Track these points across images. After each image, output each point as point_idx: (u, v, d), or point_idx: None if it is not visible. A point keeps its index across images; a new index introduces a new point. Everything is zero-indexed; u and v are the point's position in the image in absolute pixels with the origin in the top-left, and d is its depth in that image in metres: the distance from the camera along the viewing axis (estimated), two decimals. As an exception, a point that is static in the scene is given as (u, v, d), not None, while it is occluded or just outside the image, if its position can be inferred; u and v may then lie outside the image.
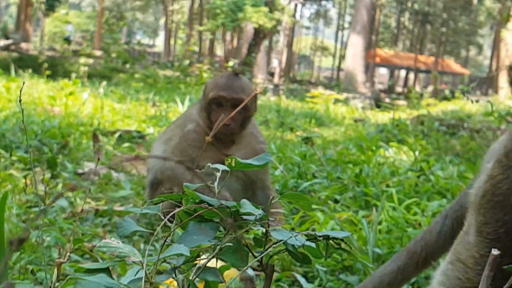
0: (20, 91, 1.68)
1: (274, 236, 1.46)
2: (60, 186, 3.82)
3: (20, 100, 1.72)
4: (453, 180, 4.36)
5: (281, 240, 1.44)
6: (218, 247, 1.40)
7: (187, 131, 3.49)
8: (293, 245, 1.45)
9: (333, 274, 2.85)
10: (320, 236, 1.50)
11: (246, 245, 1.48)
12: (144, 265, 1.21)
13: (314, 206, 3.65)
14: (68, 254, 1.68)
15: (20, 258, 2.27)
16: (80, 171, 4.98)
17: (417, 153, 7.42)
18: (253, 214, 1.45)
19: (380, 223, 3.29)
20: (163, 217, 1.49)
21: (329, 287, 2.68)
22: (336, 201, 4.00)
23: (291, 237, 1.43)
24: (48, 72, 12.62)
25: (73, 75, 12.25)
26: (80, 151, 5.65)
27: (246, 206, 1.47)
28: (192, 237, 1.42)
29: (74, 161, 5.24)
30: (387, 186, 4.14)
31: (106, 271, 1.22)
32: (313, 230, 3.12)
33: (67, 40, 37.70)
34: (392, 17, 64.05)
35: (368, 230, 2.99)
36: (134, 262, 1.21)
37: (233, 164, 1.53)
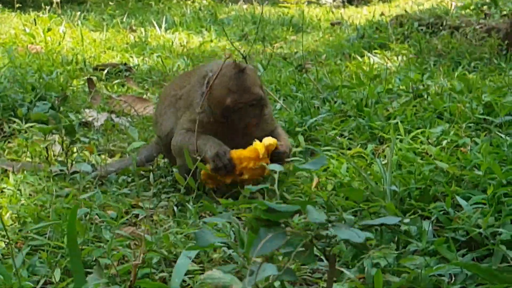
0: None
1: (338, 235, 1.61)
2: (76, 149, 3.90)
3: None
4: (448, 97, 4.50)
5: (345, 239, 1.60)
6: (293, 252, 1.55)
7: (197, 115, 3.20)
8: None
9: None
10: (374, 225, 1.67)
11: (311, 241, 1.64)
12: (247, 292, 1.36)
13: (326, 147, 3.83)
14: (142, 256, 1.83)
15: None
16: (83, 120, 5.06)
17: (400, 57, 7.59)
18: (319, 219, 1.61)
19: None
20: (238, 225, 1.64)
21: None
22: (342, 135, 4.14)
23: (354, 233, 1.59)
24: (17, 4, 12.33)
25: (46, 7, 11.91)
26: (77, 98, 5.71)
27: (312, 212, 1.62)
28: (265, 244, 1.56)
29: (74, 110, 5.31)
30: (389, 117, 4.23)
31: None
32: (329, 172, 3.25)
33: None
34: None
35: (382, 168, 3.03)
36: (236, 290, 1.37)
37: (291, 169, 1.67)
